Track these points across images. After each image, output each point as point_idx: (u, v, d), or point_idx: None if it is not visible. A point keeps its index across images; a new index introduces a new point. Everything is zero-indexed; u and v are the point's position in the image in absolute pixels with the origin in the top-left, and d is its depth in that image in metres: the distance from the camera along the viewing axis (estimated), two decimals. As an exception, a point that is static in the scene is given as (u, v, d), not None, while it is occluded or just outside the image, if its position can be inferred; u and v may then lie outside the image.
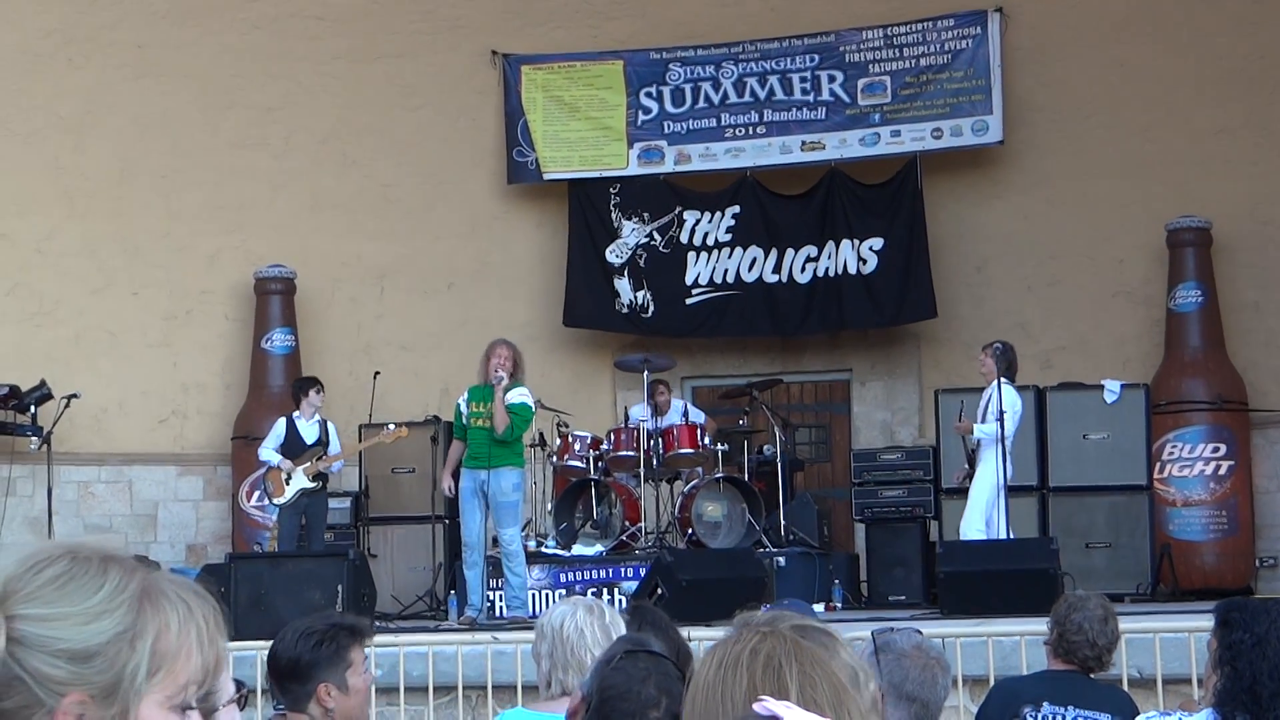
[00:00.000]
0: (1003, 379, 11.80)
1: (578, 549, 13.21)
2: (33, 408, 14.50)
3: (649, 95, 16.15)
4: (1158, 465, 13.91)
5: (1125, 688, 6.68)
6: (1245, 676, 4.12)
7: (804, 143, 15.86)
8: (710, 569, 11.26)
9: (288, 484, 12.79)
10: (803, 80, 15.86)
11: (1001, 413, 11.61)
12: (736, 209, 15.83)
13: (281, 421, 13.12)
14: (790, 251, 15.68)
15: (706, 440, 13.70)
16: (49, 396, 14.45)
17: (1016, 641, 8.39)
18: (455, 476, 12.10)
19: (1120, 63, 15.43)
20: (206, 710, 1.66)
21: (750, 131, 15.94)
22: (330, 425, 13.19)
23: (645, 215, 16.03)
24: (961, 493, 12.27)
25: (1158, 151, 15.18)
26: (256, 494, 14.24)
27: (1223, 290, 14.72)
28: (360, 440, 13.72)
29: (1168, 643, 8.42)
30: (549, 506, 13.87)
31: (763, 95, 15.92)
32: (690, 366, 16.08)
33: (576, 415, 14.39)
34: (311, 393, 13.11)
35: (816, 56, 15.85)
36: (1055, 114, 15.57)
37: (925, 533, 13.79)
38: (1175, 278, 14.69)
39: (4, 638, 1.56)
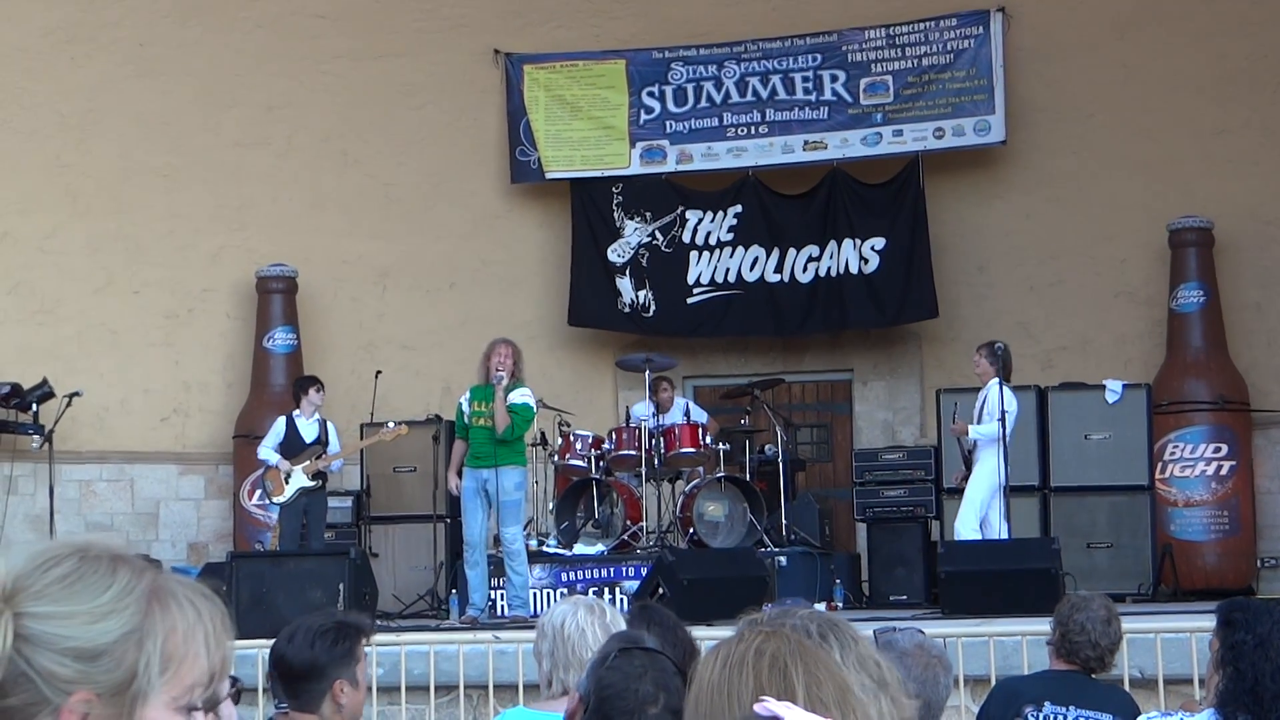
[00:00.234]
0: (998, 380, 11.81)
1: (579, 548, 13.21)
2: (34, 406, 14.50)
3: (651, 95, 16.14)
4: (1159, 465, 13.91)
5: (1127, 688, 6.67)
6: (1247, 677, 4.12)
7: (806, 142, 15.86)
8: (712, 569, 11.26)
9: (287, 483, 12.80)
10: (805, 80, 15.85)
11: (1004, 413, 11.61)
12: (738, 208, 15.83)
13: (281, 420, 13.12)
14: (792, 251, 15.67)
15: (708, 440, 13.71)
16: (51, 395, 14.46)
17: (1018, 641, 8.39)
18: (459, 475, 12.12)
19: (1122, 63, 15.42)
20: (210, 704, 1.66)
21: (752, 131, 15.94)
22: (330, 424, 13.19)
23: (647, 215, 16.03)
24: (962, 493, 12.26)
25: (1160, 151, 15.18)
26: (258, 493, 14.23)
27: (1225, 290, 14.71)
28: (361, 439, 13.73)
29: (1169, 643, 8.41)
30: (550, 506, 13.87)
31: (765, 95, 15.92)
32: (692, 366, 16.07)
33: (578, 415, 14.40)
34: (311, 391, 13.10)
35: (819, 56, 15.84)
36: (1057, 114, 15.56)
37: (927, 533, 13.78)
38: (1177, 278, 14.69)
39: (11, 635, 1.57)
